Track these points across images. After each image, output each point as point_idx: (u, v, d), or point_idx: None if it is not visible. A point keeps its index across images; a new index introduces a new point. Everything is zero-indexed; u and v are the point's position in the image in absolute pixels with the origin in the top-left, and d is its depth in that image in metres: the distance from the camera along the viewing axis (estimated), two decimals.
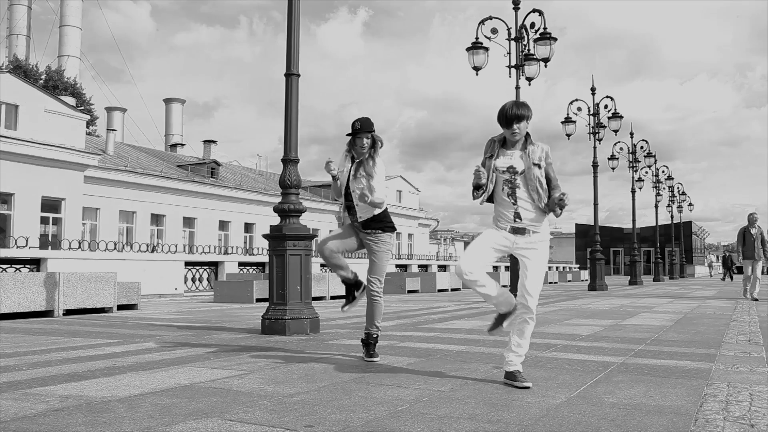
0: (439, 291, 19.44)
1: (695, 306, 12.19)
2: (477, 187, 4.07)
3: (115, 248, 17.44)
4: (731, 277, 37.61)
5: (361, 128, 5.03)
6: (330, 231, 5.19)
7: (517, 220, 4.05)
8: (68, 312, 9.99)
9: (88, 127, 41.02)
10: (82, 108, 45.29)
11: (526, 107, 4.08)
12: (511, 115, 4.01)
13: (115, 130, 45.34)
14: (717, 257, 76.42)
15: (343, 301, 5.25)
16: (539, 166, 4.05)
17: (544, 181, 4.06)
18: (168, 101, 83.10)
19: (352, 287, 5.21)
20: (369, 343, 5.16)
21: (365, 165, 5.05)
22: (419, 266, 29.24)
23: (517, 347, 4.09)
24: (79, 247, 16.48)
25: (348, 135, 5.11)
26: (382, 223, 5.14)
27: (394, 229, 5.27)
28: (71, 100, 37.69)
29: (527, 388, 3.92)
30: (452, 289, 20.32)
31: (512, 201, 4.06)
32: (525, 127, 4.05)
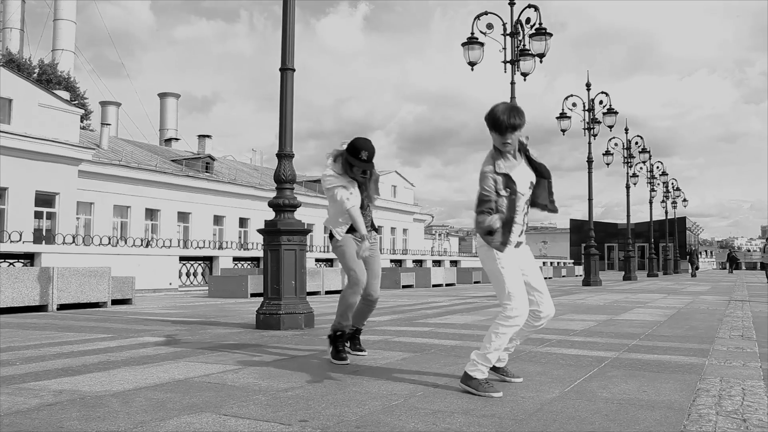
0: (434, 286, 19.46)
1: (689, 301, 12.23)
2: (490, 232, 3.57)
3: (109, 243, 17.43)
4: (694, 274, 37.48)
5: (368, 160, 4.63)
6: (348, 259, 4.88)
7: (521, 235, 3.76)
8: (62, 307, 9.97)
9: (82, 121, 40.82)
10: (76, 102, 45.15)
11: (522, 115, 3.58)
12: (508, 124, 3.52)
13: (109, 124, 45.19)
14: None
15: (331, 346, 4.90)
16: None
17: None
18: (163, 96, 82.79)
19: (343, 339, 4.90)
20: (356, 337, 5.08)
21: (372, 189, 4.89)
22: (414, 261, 29.28)
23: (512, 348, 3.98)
24: (74, 241, 16.47)
25: (353, 158, 4.64)
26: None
27: None
28: (65, 95, 37.52)
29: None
30: (447, 284, 20.36)
31: (523, 217, 3.71)
32: (517, 137, 3.62)
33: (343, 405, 3.32)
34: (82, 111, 38.79)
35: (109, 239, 18.19)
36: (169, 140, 59.55)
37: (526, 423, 3.00)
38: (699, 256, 44.28)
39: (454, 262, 33.94)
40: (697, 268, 39.61)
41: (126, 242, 19.48)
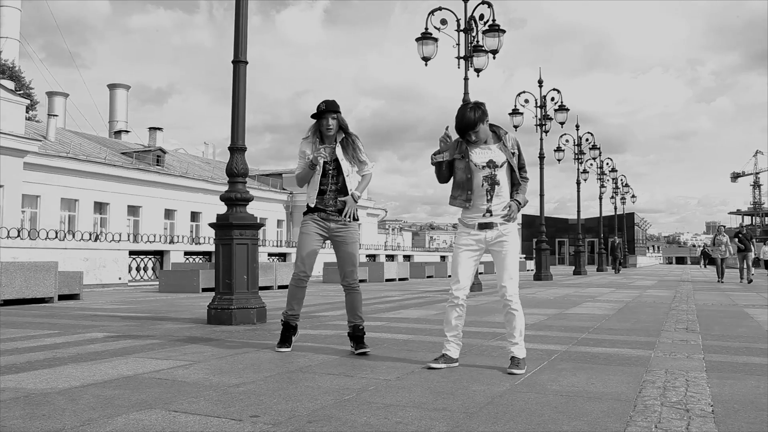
0: (387, 280, 19.49)
1: (636, 295, 12.51)
2: (439, 165, 4.16)
3: (56, 237, 16.99)
4: (617, 270, 33.72)
5: (326, 108, 4.87)
6: (295, 244, 4.90)
7: (486, 215, 4.11)
8: (6, 302, 9.69)
9: (27, 112, 39.73)
10: (21, 92, 43.83)
11: (476, 111, 4.05)
12: (463, 126, 4.04)
13: (56, 115, 44.01)
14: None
15: (279, 336, 5.10)
16: (513, 154, 4.14)
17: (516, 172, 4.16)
18: (112, 87, 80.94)
19: (292, 331, 5.07)
20: (358, 336, 4.92)
21: (349, 149, 4.94)
22: (367, 256, 29.29)
23: (510, 337, 4.25)
24: (18, 235, 16.02)
25: (312, 117, 4.94)
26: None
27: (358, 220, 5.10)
28: (9, 84, 36.40)
29: (516, 374, 4.04)
30: (400, 279, 20.41)
31: (488, 198, 4.10)
32: (483, 128, 4.07)
33: (295, 400, 3.31)
34: (28, 101, 37.66)
35: (57, 233, 17.70)
36: (119, 132, 58.36)
37: (477, 416, 3.03)
38: (624, 249, 42.83)
39: (407, 257, 34.11)
40: (620, 264, 35.37)
41: (74, 236, 19.03)
